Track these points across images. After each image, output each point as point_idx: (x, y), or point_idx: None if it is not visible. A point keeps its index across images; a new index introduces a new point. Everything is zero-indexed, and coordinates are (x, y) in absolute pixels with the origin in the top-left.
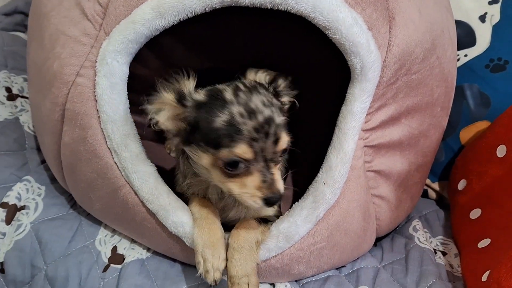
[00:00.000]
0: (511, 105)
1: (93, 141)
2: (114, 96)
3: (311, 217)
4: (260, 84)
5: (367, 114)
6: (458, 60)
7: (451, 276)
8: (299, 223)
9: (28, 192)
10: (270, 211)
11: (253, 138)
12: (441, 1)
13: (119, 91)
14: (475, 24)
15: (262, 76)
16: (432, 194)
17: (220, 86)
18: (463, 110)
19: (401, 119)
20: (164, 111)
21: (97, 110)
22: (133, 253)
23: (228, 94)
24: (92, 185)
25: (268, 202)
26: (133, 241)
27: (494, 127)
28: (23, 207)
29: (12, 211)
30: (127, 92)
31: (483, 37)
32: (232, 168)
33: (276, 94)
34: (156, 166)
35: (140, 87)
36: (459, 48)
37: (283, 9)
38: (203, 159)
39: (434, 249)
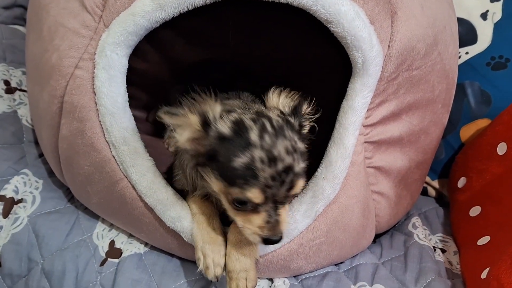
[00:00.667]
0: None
1: (91, 134)
2: (112, 88)
3: (310, 212)
4: (288, 123)
5: (368, 110)
6: (459, 57)
7: (450, 273)
8: (298, 218)
9: (26, 185)
10: None
11: (268, 185)
12: None
13: (118, 84)
14: (476, 21)
15: (286, 102)
16: (432, 192)
17: (247, 122)
18: (464, 107)
19: (402, 115)
20: (185, 132)
21: (96, 103)
22: (130, 247)
23: (254, 135)
24: (89, 178)
25: (267, 242)
26: (130, 235)
27: (494, 124)
28: (20, 201)
29: (9, 204)
30: (126, 85)
31: (485, 34)
32: (240, 205)
33: (300, 125)
34: (154, 160)
35: (139, 81)
36: (460, 46)
37: (284, 1)
38: (214, 184)
39: (434, 246)
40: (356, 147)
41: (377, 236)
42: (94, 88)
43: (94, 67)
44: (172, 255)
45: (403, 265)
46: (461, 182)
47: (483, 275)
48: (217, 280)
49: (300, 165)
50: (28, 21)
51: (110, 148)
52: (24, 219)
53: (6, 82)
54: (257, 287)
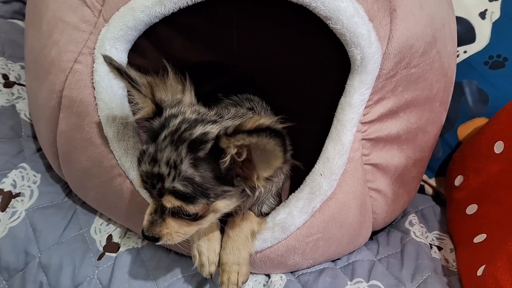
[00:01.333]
0: (509, 102)
1: (89, 128)
2: (111, 83)
3: (307, 208)
4: (191, 143)
5: (365, 107)
6: (458, 56)
7: (446, 270)
8: (295, 214)
9: (24, 179)
10: (267, 208)
11: (143, 179)
12: None
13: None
14: (475, 20)
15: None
16: (429, 190)
17: (172, 122)
18: (462, 106)
19: (400, 113)
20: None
21: (94, 98)
22: (128, 242)
23: (163, 134)
24: (87, 173)
25: (143, 233)
26: (128, 230)
27: (492, 123)
28: (18, 194)
29: (7, 198)
30: None
31: (483, 33)
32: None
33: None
34: None
35: None
36: (458, 44)
37: None
38: None
39: (430, 244)
40: (354, 144)
41: (374, 233)
42: (93, 83)
43: (94, 62)
44: (169, 250)
45: (399, 262)
46: (458, 180)
47: (479, 272)
48: (211, 278)
49: (172, 183)
50: (27, 16)
51: (108, 143)
52: (22, 213)
53: (5, 76)
54: (254, 283)
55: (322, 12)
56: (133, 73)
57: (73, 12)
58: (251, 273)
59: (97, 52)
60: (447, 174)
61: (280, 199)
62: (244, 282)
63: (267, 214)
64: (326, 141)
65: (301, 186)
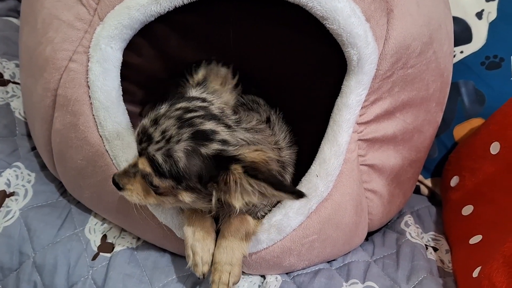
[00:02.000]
0: (505, 103)
1: (84, 128)
2: (107, 82)
3: (303, 210)
4: (197, 134)
5: (362, 108)
6: (454, 56)
7: (442, 271)
8: (291, 215)
9: (18, 178)
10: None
11: (138, 132)
12: None
13: (112, 78)
14: (471, 20)
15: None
16: (425, 190)
17: (195, 103)
18: (458, 106)
19: (396, 113)
20: None
21: (89, 97)
22: (123, 242)
23: (179, 105)
24: (82, 172)
25: (113, 177)
26: (123, 230)
27: (488, 124)
28: (12, 193)
29: (1, 197)
30: (120, 79)
31: (480, 34)
32: None
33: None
34: None
35: (133, 76)
36: (455, 45)
37: None
38: None
39: (426, 245)
40: (350, 145)
41: (370, 234)
42: (88, 82)
43: (88, 61)
44: (164, 250)
45: (395, 263)
46: (454, 181)
47: (475, 273)
48: (204, 278)
49: (155, 151)
50: (22, 13)
51: (103, 142)
52: (16, 212)
53: None
54: (249, 283)
55: (319, 12)
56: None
57: (68, 10)
58: (246, 274)
59: (92, 51)
60: (443, 174)
61: None
62: (235, 283)
63: (263, 217)
64: (322, 142)
65: (297, 187)
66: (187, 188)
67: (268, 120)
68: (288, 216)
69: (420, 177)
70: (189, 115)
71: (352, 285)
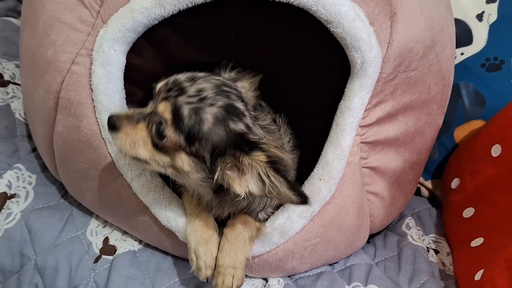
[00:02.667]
0: (506, 105)
1: (87, 130)
2: (110, 85)
3: (306, 213)
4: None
5: (364, 110)
6: (455, 58)
7: (443, 274)
8: (294, 218)
9: (19, 180)
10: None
11: (167, 82)
12: None
13: (115, 81)
14: (472, 22)
15: None
16: (425, 192)
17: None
18: (458, 108)
19: (398, 116)
20: None
21: (92, 99)
22: (125, 244)
23: (217, 78)
24: (84, 175)
25: (111, 114)
26: (125, 232)
27: (489, 126)
28: (13, 195)
29: (2, 199)
30: (123, 82)
31: (480, 36)
32: None
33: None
34: None
35: (134, 77)
36: (456, 46)
37: (285, 1)
38: None
39: (427, 247)
40: (352, 148)
41: (371, 236)
42: (91, 85)
43: (92, 63)
44: (166, 253)
45: (396, 265)
46: (455, 183)
47: (477, 277)
48: (207, 281)
49: (183, 103)
50: (23, 14)
51: (106, 145)
52: (17, 214)
53: None
54: (252, 286)
55: (323, 16)
56: None
57: (70, 12)
58: (248, 276)
59: (95, 54)
60: (443, 176)
61: None
62: (238, 287)
63: (265, 220)
64: (325, 145)
65: None
66: (192, 154)
67: (274, 122)
68: (291, 220)
69: (421, 179)
70: (226, 88)
71: (355, 287)
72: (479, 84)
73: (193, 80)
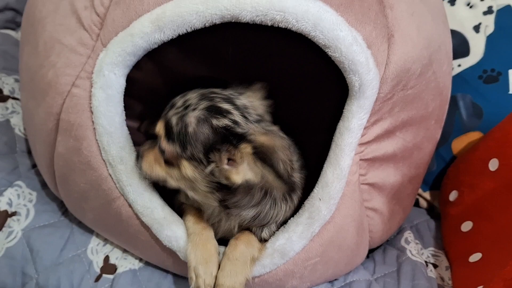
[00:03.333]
0: (504, 119)
1: (87, 152)
2: (110, 108)
3: (307, 233)
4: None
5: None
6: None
7: None
8: (294, 239)
9: (19, 197)
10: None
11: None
12: (439, 16)
13: (115, 104)
14: (469, 34)
15: None
16: (423, 203)
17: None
18: (456, 120)
19: (396, 132)
20: None
21: (93, 122)
22: (125, 263)
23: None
24: (85, 195)
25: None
26: (125, 250)
27: (486, 140)
28: (14, 213)
29: (3, 217)
30: (123, 104)
31: (477, 47)
32: None
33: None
34: None
35: (132, 91)
36: (453, 58)
37: (283, 26)
38: None
39: (426, 261)
40: (352, 167)
41: (370, 251)
42: (91, 107)
43: (92, 86)
44: (167, 271)
45: (396, 281)
46: (453, 196)
47: None
48: None
49: (171, 116)
50: (23, 32)
51: (106, 167)
52: (18, 232)
53: None
54: None
55: (321, 41)
56: None
57: (71, 34)
58: None
59: (95, 77)
60: (441, 188)
61: None
62: None
63: (266, 240)
64: (325, 165)
65: (300, 211)
66: (190, 158)
67: None
68: (291, 240)
69: (419, 190)
70: (212, 95)
71: None
72: (476, 96)
73: (184, 95)
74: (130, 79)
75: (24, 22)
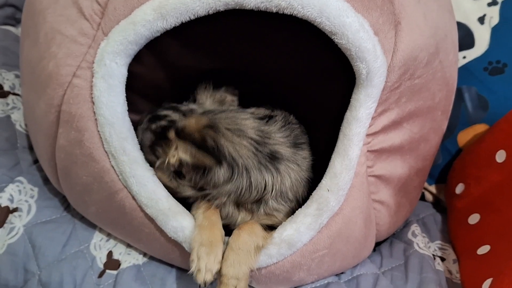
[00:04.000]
0: (510, 110)
1: (89, 144)
2: (112, 98)
3: (315, 225)
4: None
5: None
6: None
7: (450, 283)
8: (302, 230)
9: (21, 193)
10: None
11: None
12: (445, 5)
13: (117, 93)
14: (474, 25)
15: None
16: (429, 196)
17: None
18: (461, 112)
19: (403, 123)
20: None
21: (94, 113)
22: (129, 258)
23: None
24: (87, 188)
25: None
26: (129, 245)
27: (493, 131)
28: (15, 209)
29: (5, 213)
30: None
31: (482, 39)
32: None
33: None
34: None
35: (135, 85)
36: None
37: (288, 13)
38: None
39: (433, 255)
40: (360, 158)
41: (377, 244)
42: (92, 98)
43: (93, 76)
44: (171, 266)
45: (403, 275)
46: (459, 188)
47: (485, 286)
48: (205, 286)
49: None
50: (23, 26)
51: (109, 158)
52: (20, 228)
53: None
54: None
55: (328, 27)
56: None
57: (71, 24)
58: None
59: (96, 67)
60: (447, 181)
61: (295, 204)
62: None
63: (273, 228)
64: (333, 156)
65: (308, 202)
66: (151, 162)
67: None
68: (300, 231)
69: (425, 184)
70: (159, 109)
71: None
72: (481, 88)
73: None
74: (132, 73)
75: (25, 16)
